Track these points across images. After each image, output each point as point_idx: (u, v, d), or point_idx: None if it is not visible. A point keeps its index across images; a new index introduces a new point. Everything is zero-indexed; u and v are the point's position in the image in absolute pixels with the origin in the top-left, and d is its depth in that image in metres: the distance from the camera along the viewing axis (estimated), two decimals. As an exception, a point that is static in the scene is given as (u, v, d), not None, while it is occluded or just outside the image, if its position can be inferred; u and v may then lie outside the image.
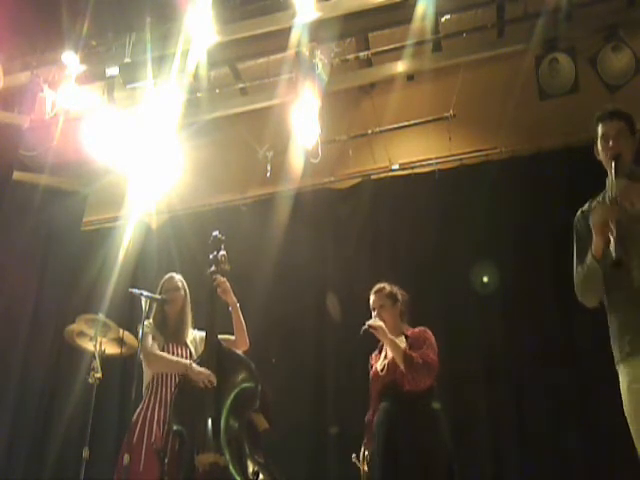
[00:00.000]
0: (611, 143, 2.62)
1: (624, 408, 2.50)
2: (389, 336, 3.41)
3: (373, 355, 3.71)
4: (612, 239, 2.39)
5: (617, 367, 2.55)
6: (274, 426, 3.46)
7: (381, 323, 3.46)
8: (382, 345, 3.64)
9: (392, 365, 3.43)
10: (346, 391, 4.85)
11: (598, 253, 2.49)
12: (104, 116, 5.13)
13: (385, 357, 3.57)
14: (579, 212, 2.75)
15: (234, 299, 3.69)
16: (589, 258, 2.54)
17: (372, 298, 3.65)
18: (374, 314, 3.58)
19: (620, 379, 2.53)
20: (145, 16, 4.92)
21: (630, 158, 2.63)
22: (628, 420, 2.48)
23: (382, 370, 3.51)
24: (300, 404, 4.86)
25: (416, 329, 3.54)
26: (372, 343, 4.87)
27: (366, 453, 3.52)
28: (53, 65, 5.29)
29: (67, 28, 4.98)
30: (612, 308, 2.57)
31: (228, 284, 3.66)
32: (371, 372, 3.62)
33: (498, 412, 4.45)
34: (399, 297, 3.64)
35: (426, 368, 3.31)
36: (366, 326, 3.44)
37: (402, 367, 3.32)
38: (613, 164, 2.56)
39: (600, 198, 2.67)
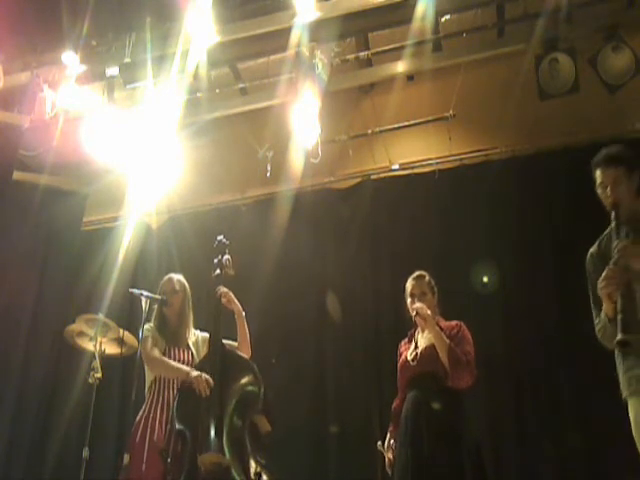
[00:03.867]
0: (609, 192, 2.55)
1: (634, 434, 2.47)
2: (436, 327, 3.29)
3: (402, 343, 3.61)
4: (618, 318, 2.31)
5: (625, 400, 2.52)
6: (274, 426, 3.46)
7: (429, 312, 3.32)
8: (412, 333, 3.55)
9: (426, 356, 3.32)
10: (346, 391, 4.86)
11: (610, 314, 2.42)
12: (104, 116, 5.12)
13: (416, 346, 3.45)
14: (589, 255, 2.67)
15: (239, 307, 3.68)
16: (603, 317, 2.48)
17: (411, 284, 3.51)
18: (409, 301, 3.46)
19: (630, 411, 2.50)
20: (145, 16, 4.91)
21: (630, 200, 2.55)
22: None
23: (413, 360, 3.37)
24: (300, 404, 4.86)
25: (451, 322, 3.45)
26: (371, 341, 4.92)
27: (392, 441, 3.43)
28: (53, 65, 5.28)
29: (67, 28, 4.97)
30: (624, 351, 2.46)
31: (232, 294, 3.65)
32: (399, 360, 3.49)
33: (498, 412, 4.45)
34: (435, 289, 3.56)
35: (469, 367, 3.24)
36: (414, 312, 3.32)
37: (445, 362, 3.22)
38: (613, 214, 2.51)
39: (605, 242, 2.59)
